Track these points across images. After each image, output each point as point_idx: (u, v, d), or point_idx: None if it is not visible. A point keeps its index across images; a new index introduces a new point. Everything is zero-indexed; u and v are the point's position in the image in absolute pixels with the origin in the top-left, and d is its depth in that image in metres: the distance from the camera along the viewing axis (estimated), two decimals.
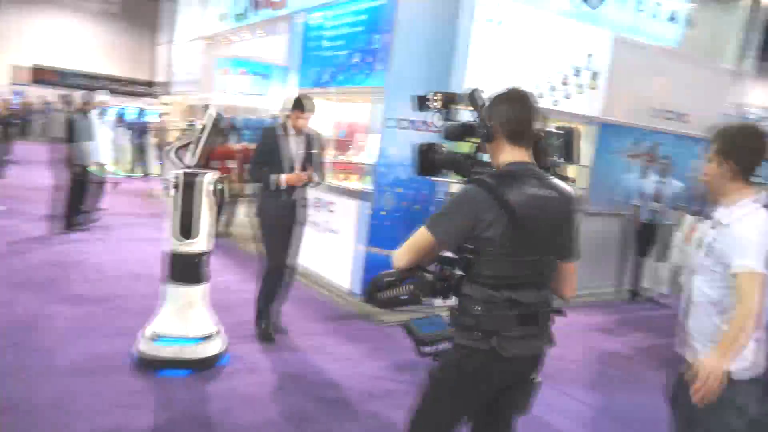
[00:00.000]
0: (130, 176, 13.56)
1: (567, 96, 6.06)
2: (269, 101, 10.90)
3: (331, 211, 6.15)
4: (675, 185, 6.48)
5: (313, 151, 4.40)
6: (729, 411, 2.04)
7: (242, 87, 10.58)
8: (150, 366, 3.69)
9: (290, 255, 4.46)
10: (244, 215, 8.94)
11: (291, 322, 4.73)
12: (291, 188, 4.31)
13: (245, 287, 5.72)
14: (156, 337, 3.73)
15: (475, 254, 1.88)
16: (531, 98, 1.96)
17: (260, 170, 4.31)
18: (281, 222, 4.35)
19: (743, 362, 2.03)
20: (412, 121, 5.30)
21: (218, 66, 10.33)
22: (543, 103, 5.81)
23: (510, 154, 1.95)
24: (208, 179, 3.77)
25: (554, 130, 2.16)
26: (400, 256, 1.95)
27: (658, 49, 6.89)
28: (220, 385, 3.66)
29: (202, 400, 3.45)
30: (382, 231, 5.45)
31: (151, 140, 13.77)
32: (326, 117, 6.75)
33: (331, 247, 6.08)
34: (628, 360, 4.92)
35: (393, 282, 1.95)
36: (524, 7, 5.68)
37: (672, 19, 7.21)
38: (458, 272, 1.95)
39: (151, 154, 13.82)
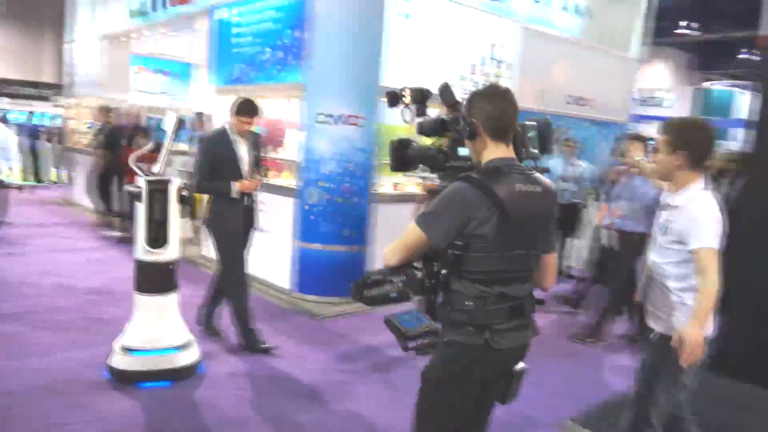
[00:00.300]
0: (25, 184, 12.70)
1: (476, 85, 6.31)
2: (182, 101, 10.61)
3: (261, 210, 6.09)
4: (585, 167, 6.89)
5: (255, 153, 4.33)
6: (664, 360, 2.38)
7: (154, 86, 10.21)
8: (128, 379, 3.60)
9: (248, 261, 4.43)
10: None
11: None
12: (247, 193, 4.24)
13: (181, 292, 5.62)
14: (131, 350, 3.64)
15: (465, 250, 1.89)
16: (511, 94, 1.98)
17: (213, 180, 4.15)
18: (241, 229, 4.26)
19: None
20: (331, 116, 5.34)
21: (130, 65, 9.90)
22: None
23: (493, 151, 1.97)
24: (177, 185, 3.71)
25: (528, 123, 2.18)
26: (391, 254, 1.95)
27: (563, 39, 7.30)
28: (205, 393, 3.61)
29: (192, 410, 3.41)
30: (311, 226, 5.49)
31: (46, 145, 12.97)
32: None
33: (263, 246, 6.03)
34: (550, 334, 5.23)
35: (381, 280, 1.94)
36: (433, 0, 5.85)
37: (573, 10, 7.66)
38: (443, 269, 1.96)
39: (47, 160, 13.02)
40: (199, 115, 7.74)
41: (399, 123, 6.55)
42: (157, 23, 8.45)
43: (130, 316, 3.78)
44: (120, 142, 8.75)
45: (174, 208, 3.69)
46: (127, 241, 7.61)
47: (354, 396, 3.70)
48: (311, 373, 4.00)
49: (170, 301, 3.77)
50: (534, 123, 2.19)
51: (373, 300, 1.97)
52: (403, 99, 2.43)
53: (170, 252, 3.70)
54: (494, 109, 1.95)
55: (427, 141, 2.29)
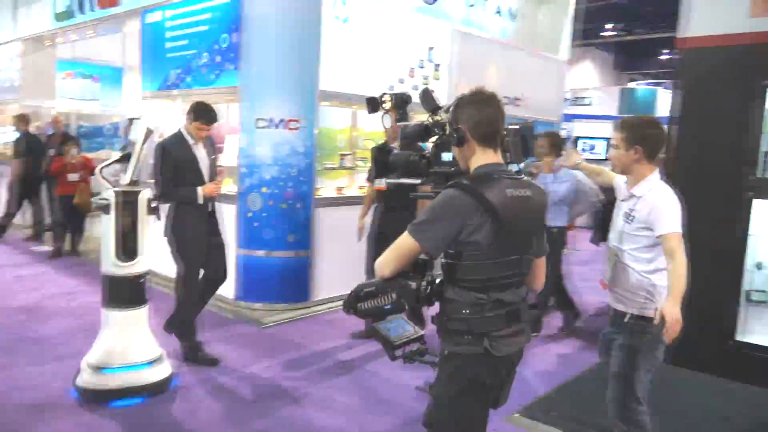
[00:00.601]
0: None
1: (415, 87, 6.39)
2: (114, 107, 10.22)
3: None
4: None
5: (212, 157, 4.25)
6: (640, 341, 2.60)
7: (82, 92, 9.79)
8: (98, 398, 3.46)
9: (220, 269, 4.30)
10: (92, 232, 8.35)
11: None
12: (210, 199, 4.15)
13: None
14: (101, 367, 3.49)
15: (458, 258, 1.88)
16: (497, 99, 1.98)
17: (176, 186, 4.04)
18: (205, 236, 4.16)
19: (653, 305, 2.55)
20: (271, 120, 5.29)
21: (57, 70, 9.44)
22: None
23: (482, 157, 1.96)
24: (147, 196, 3.61)
25: (511, 127, 2.17)
26: (384, 265, 1.91)
27: (495, 41, 7.49)
28: (179, 408, 3.50)
29: (165, 427, 3.30)
30: (254, 233, 5.40)
31: None
32: (176, 120, 6.52)
33: None
34: None
35: (374, 292, 1.91)
36: (369, 3, 5.88)
37: (505, 13, 7.88)
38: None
39: None
40: (132, 120, 7.47)
41: (340, 126, 6.61)
42: (85, 26, 8.11)
43: (100, 331, 3.63)
44: (41, 150, 8.36)
45: (143, 218, 3.60)
46: (58, 256, 7.29)
47: (306, 402, 3.67)
48: (261, 382, 3.94)
49: (140, 315, 3.66)
50: (517, 127, 2.19)
51: (367, 313, 1.94)
52: (383, 105, 2.43)
53: (140, 264, 3.61)
54: (482, 115, 1.95)
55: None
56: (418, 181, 2.28)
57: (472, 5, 7.51)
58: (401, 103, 2.42)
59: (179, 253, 4.12)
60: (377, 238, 4.76)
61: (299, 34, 5.38)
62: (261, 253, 5.39)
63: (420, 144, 2.37)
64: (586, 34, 18.10)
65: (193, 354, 4.18)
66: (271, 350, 4.51)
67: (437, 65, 6.61)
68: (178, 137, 4.14)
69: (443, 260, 1.90)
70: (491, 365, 1.93)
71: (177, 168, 4.03)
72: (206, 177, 4.13)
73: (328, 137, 5.98)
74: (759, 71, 3.28)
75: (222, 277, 4.33)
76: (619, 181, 2.87)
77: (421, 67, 6.43)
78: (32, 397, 3.54)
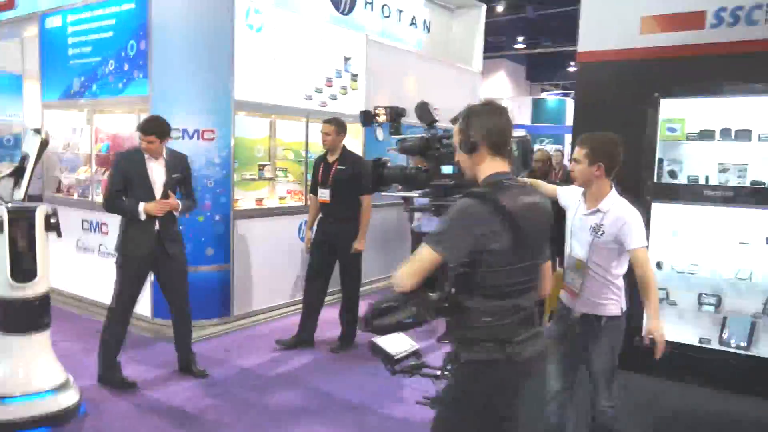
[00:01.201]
0: None
1: (333, 97, 6.42)
2: (14, 117, 9.57)
3: (105, 233, 5.68)
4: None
5: (174, 176, 4.02)
6: (618, 336, 2.84)
7: None
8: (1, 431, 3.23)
9: (178, 299, 4.14)
10: None
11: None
12: (154, 218, 3.92)
13: None
14: (1, 397, 3.27)
15: (475, 266, 1.89)
16: (506, 110, 2.03)
17: (119, 200, 3.93)
18: (145, 256, 3.96)
19: (619, 304, 2.82)
20: (185, 130, 5.14)
21: None
22: (311, 105, 6.12)
23: (491, 165, 1.99)
24: (43, 212, 3.40)
25: (515, 136, 2.20)
26: (405, 279, 1.89)
27: (406, 51, 7.65)
28: None
29: None
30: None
31: None
32: (83, 131, 6.21)
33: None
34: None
35: (393, 307, 1.88)
36: (283, 13, 5.86)
37: (420, 25, 8.07)
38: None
39: None
40: (36, 131, 7.04)
41: (255, 136, 6.51)
42: None
43: None
44: None
45: (41, 236, 3.38)
46: None
47: (230, 422, 3.58)
48: (181, 403, 3.80)
49: (41, 339, 3.45)
50: (524, 135, 2.24)
51: (387, 328, 1.91)
52: (377, 118, 2.40)
53: (39, 286, 3.39)
54: (494, 123, 1.98)
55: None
56: (416, 193, 2.29)
57: (387, 16, 7.66)
58: (396, 115, 2.43)
59: (116, 268, 4.02)
60: (320, 247, 4.79)
61: (210, 42, 5.27)
62: None
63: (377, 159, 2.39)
64: (498, 47, 18.86)
65: (108, 376, 3.99)
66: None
67: (354, 75, 6.67)
68: (134, 149, 4.09)
69: (462, 270, 1.91)
70: (512, 371, 1.93)
71: (127, 180, 3.93)
72: (158, 194, 3.94)
73: (246, 147, 5.88)
74: (651, 84, 3.54)
75: (182, 307, 4.19)
76: (566, 193, 3.04)
77: (339, 77, 6.47)
78: None
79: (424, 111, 2.31)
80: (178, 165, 4.10)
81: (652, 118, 3.55)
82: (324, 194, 4.74)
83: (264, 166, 6.00)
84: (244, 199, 5.76)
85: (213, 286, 5.35)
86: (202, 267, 5.24)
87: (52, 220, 3.45)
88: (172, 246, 4.05)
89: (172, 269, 4.08)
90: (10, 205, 3.38)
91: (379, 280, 7.10)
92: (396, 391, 4.05)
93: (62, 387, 3.46)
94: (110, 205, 4.02)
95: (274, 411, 3.72)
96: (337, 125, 4.74)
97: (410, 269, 1.89)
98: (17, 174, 3.46)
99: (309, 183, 5.46)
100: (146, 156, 3.97)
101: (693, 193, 3.49)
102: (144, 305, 5.32)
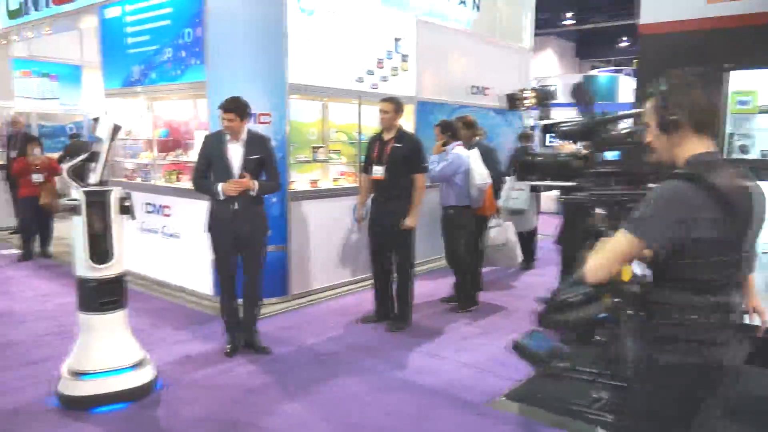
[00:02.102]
0: None
1: (384, 78, 6.42)
2: (74, 105, 9.98)
3: (168, 215, 5.89)
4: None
5: (252, 157, 4.11)
6: None
7: (41, 91, 9.52)
8: (79, 406, 3.37)
9: (247, 277, 4.26)
10: (62, 233, 8.18)
11: (165, 335, 4.50)
12: (233, 198, 4.05)
13: None
14: (81, 374, 3.40)
15: (677, 257, 1.69)
16: (714, 77, 1.83)
17: (202, 179, 4.16)
18: (227, 234, 4.13)
19: None
20: None
21: (14, 69, 9.16)
22: (363, 87, 6.14)
23: (696, 145, 1.75)
24: (117, 195, 3.52)
25: None
26: (599, 269, 1.72)
27: (455, 31, 7.56)
28: (163, 412, 3.42)
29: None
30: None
31: None
32: (143, 117, 6.42)
33: (177, 252, 5.84)
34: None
35: (583, 300, 1.73)
36: None
37: (469, 3, 7.95)
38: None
39: None
40: (96, 120, 7.32)
41: (308, 120, 6.59)
42: (40, 23, 7.88)
43: (76, 337, 3.53)
44: None
45: (116, 219, 3.50)
46: (28, 259, 7.11)
47: (292, 398, 3.68)
48: (245, 380, 3.93)
49: (118, 318, 3.56)
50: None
51: (575, 324, 1.75)
52: (525, 101, 2.27)
53: (115, 267, 3.51)
54: (699, 99, 1.74)
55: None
56: (572, 183, 2.07)
57: None
58: (544, 98, 2.29)
59: (210, 249, 4.26)
60: (375, 225, 4.89)
61: (264, 27, 5.35)
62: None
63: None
64: (546, 23, 18.39)
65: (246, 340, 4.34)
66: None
67: (405, 56, 6.65)
68: (216, 132, 4.28)
69: (662, 260, 1.72)
70: (706, 376, 1.73)
71: (209, 161, 4.14)
72: (235, 174, 4.07)
73: (299, 130, 5.97)
74: (719, 55, 3.41)
75: (249, 286, 4.30)
76: None
77: (390, 58, 6.46)
78: (7, 404, 3.47)
79: (581, 92, 2.14)
80: (258, 146, 4.18)
81: (720, 91, 3.42)
82: (378, 171, 4.79)
83: (317, 148, 6.07)
84: (298, 181, 5.86)
85: (271, 266, 5.45)
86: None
87: (126, 203, 3.56)
88: (248, 226, 4.15)
89: (246, 248, 4.21)
90: (86, 188, 3.48)
91: (431, 260, 7.13)
92: (459, 369, 4.08)
93: (139, 364, 3.58)
94: (196, 184, 4.26)
95: (332, 388, 3.80)
96: (395, 104, 4.77)
97: (604, 258, 1.72)
98: (92, 159, 3.58)
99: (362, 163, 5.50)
100: (227, 137, 4.10)
101: (767, 169, 3.36)
102: (205, 283, 5.52)
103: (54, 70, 9.70)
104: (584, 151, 2.10)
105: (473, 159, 5.31)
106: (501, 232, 5.88)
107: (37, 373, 3.89)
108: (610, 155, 1.99)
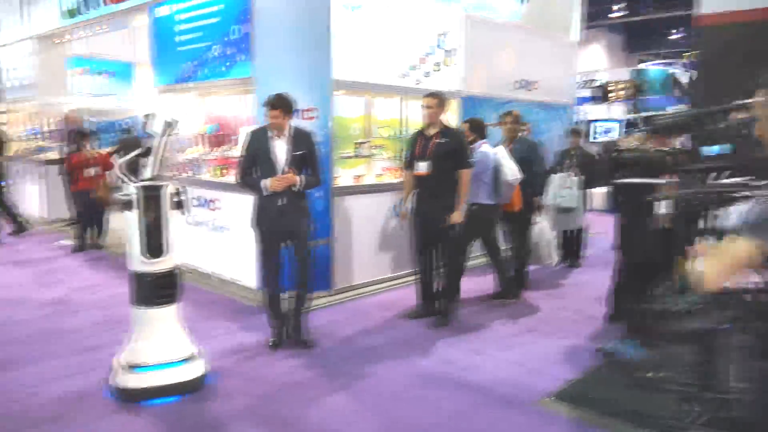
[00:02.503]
0: None
1: (427, 74, 6.38)
2: (126, 102, 10.29)
3: (216, 209, 6.01)
4: None
5: (297, 153, 4.16)
6: None
7: (95, 88, 9.86)
8: (132, 398, 3.43)
9: (295, 270, 4.32)
10: (113, 226, 8.44)
11: (211, 327, 4.64)
12: (279, 194, 4.11)
13: None
14: (134, 366, 3.47)
15: None
16: None
17: (248, 176, 4.21)
18: (273, 230, 4.20)
19: None
20: None
21: (70, 67, 9.51)
22: (407, 83, 6.11)
23: None
24: (171, 190, 3.58)
25: None
26: (718, 276, 1.61)
27: (501, 24, 7.44)
28: (215, 406, 3.47)
29: (205, 425, 3.28)
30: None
31: None
32: (192, 113, 6.56)
33: (224, 245, 5.96)
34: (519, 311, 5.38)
35: (700, 309, 1.62)
36: None
37: None
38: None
39: None
40: (149, 116, 7.52)
41: (351, 115, 6.61)
42: (93, 22, 8.15)
43: (130, 330, 3.61)
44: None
45: (168, 213, 3.56)
46: (81, 250, 7.39)
47: (337, 392, 3.70)
48: (292, 370, 3.97)
49: (171, 312, 3.61)
50: None
51: (689, 336, 1.64)
52: (617, 93, 2.10)
53: (168, 261, 3.56)
54: None
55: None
56: (662, 181, 1.96)
57: None
58: (638, 91, 2.12)
59: (256, 243, 4.30)
60: (419, 221, 4.88)
61: (309, 23, 5.38)
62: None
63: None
64: (594, 16, 17.95)
65: (294, 335, 4.39)
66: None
67: (448, 51, 6.59)
68: (260, 127, 4.29)
69: None
70: None
71: (254, 157, 4.17)
72: (280, 170, 4.11)
73: (343, 126, 5.99)
74: None
75: (297, 279, 4.35)
76: None
77: (433, 54, 6.42)
78: (62, 391, 3.60)
79: (679, 82, 1.96)
80: (302, 142, 4.21)
81: None
82: (422, 167, 4.75)
83: (361, 143, 6.08)
84: (342, 176, 5.88)
85: (315, 261, 5.50)
86: None
87: (179, 198, 3.61)
88: (294, 221, 4.21)
89: (293, 242, 4.27)
90: (140, 183, 3.52)
91: (478, 257, 7.07)
92: (504, 367, 4.03)
93: (191, 358, 3.62)
94: (241, 181, 4.27)
95: (375, 382, 3.81)
96: (439, 99, 4.73)
97: (722, 265, 1.60)
98: (146, 154, 3.64)
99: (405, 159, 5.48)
100: (271, 133, 4.14)
101: None
102: (249, 276, 5.61)
103: (108, 67, 10.02)
104: (675, 147, 1.94)
105: (501, 155, 5.25)
106: (539, 228, 5.88)
107: (89, 360, 4.03)
108: (713, 150, 1.81)
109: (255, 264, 5.41)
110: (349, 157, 6.01)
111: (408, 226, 5.05)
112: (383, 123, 6.49)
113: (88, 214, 7.48)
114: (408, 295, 5.41)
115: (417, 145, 4.83)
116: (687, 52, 23.27)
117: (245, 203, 5.32)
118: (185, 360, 3.59)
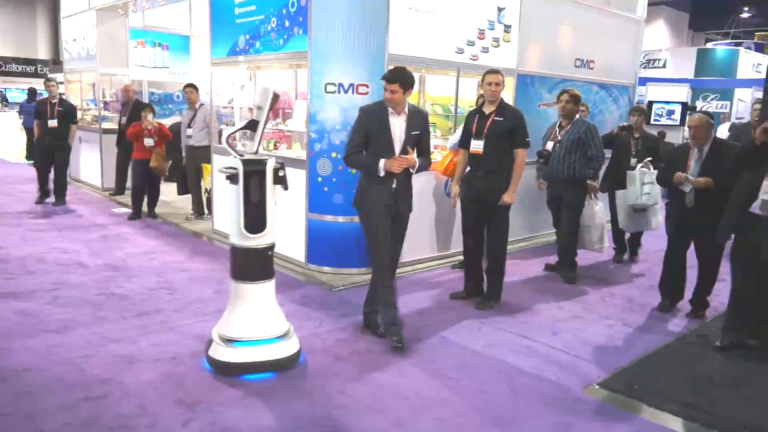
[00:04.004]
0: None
1: (485, 50, 6.23)
2: (183, 74, 10.48)
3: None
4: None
5: (413, 132, 3.90)
6: None
7: (153, 60, 10.07)
8: (229, 371, 3.44)
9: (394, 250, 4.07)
10: (167, 196, 8.68)
11: None
12: (392, 176, 3.85)
13: (193, 266, 5.68)
14: (232, 341, 3.48)
15: None
16: None
17: (358, 154, 3.91)
18: (383, 212, 3.91)
19: None
20: (341, 85, 5.28)
21: (129, 38, 9.75)
22: (462, 59, 5.99)
23: None
24: (273, 165, 3.47)
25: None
26: None
27: (568, 0, 7.17)
28: (310, 383, 3.43)
29: (307, 400, 3.24)
30: (324, 198, 5.46)
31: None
32: (244, 87, 6.61)
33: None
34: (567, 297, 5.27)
35: None
36: None
37: None
38: None
39: None
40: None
41: None
42: None
43: (227, 304, 3.62)
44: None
45: (270, 189, 3.47)
46: (137, 218, 7.64)
47: (383, 365, 3.71)
48: (340, 344, 3.99)
49: (268, 288, 3.59)
50: None
51: None
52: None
53: (267, 236, 3.51)
54: None
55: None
56: None
57: None
58: None
59: (361, 224, 4.06)
60: (471, 201, 4.81)
61: None
62: (330, 218, 5.46)
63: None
64: None
65: (366, 321, 4.24)
66: (344, 314, 4.57)
67: (507, 26, 6.40)
68: (378, 103, 3.95)
69: None
70: None
71: (368, 134, 3.88)
72: (397, 150, 3.85)
73: None
74: None
75: (394, 264, 4.14)
76: None
77: (492, 29, 6.24)
78: (121, 351, 3.74)
79: None
80: (418, 122, 3.95)
81: None
82: (477, 145, 4.66)
83: None
84: None
85: (360, 237, 5.52)
86: (350, 218, 5.43)
87: (280, 173, 3.47)
88: (404, 206, 4.00)
89: (396, 228, 4.01)
90: (244, 157, 3.42)
91: (523, 239, 6.96)
92: (550, 352, 3.97)
93: (285, 335, 3.59)
94: (350, 159, 3.96)
95: (421, 362, 3.80)
96: (503, 76, 4.61)
97: None
98: (251, 127, 3.50)
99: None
100: (389, 111, 3.86)
101: None
102: (298, 251, 5.68)
103: (165, 40, 10.19)
104: None
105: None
106: (589, 213, 5.63)
107: (143, 325, 4.16)
108: None
109: (302, 237, 5.47)
110: None
111: (458, 205, 4.98)
112: (435, 100, 6.40)
113: (144, 184, 7.69)
114: (454, 275, 5.37)
115: (474, 123, 4.74)
116: (758, 31, 21.98)
117: (294, 177, 5.38)
118: (280, 337, 3.56)
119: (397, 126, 3.86)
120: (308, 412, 3.10)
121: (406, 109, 3.88)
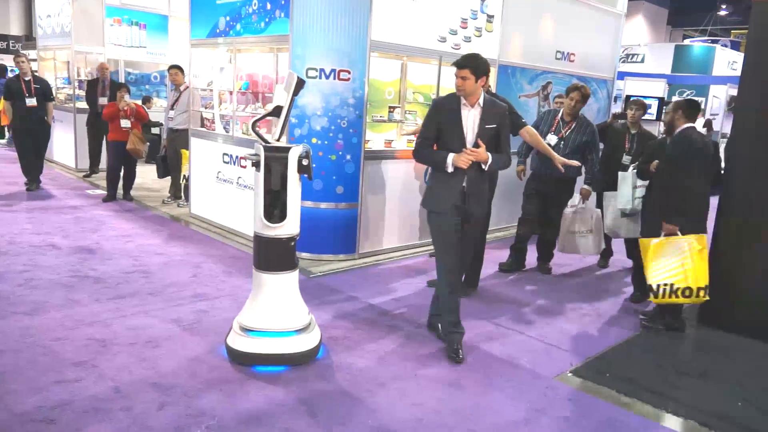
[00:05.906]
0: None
1: (467, 39, 6.23)
2: (161, 55, 10.28)
3: (244, 166, 6.03)
4: None
5: (488, 126, 3.57)
6: None
7: (130, 39, 9.85)
8: (243, 360, 3.37)
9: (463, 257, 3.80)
10: (142, 179, 8.56)
11: (240, 283, 4.71)
12: (462, 173, 3.55)
13: (170, 250, 5.59)
14: (249, 330, 3.41)
15: None
16: None
17: (428, 148, 3.63)
18: (450, 212, 3.61)
19: None
20: (322, 70, 5.24)
21: (106, 16, 9.51)
22: (444, 48, 5.98)
23: None
24: (296, 154, 3.33)
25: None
26: None
27: None
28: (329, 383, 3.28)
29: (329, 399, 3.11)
30: (303, 183, 5.38)
31: None
32: (224, 69, 6.53)
33: (250, 203, 5.98)
34: (545, 289, 5.35)
35: None
36: None
37: None
38: None
39: None
40: (176, 68, 7.50)
41: (386, 78, 6.50)
42: None
43: (249, 293, 3.58)
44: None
45: (293, 177, 3.33)
46: (112, 200, 7.51)
47: (361, 352, 3.74)
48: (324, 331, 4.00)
49: (289, 279, 3.49)
50: None
51: None
52: None
53: (289, 226, 3.40)
54: None
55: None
56: None
57: None
58: None
59: (428, 224, 3.78)
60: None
61: None
62: (309, 203, 5.43)
63: None
64: None
65: (430, 322, 4.11)
66: (324, 301, 4.57)
67: (490, 16, 6.41)
68: (450, 94, 3.65)
69: None
70: None
71: (439, 127, 3.59)
72: (469, 144, 3.53)
73: (377, 89, 5.91)
74: None
75: (464, 267, 3.98)
76: None
77: (474, 18, 6.24)
78: (95, 334, 3.69)
79: None
80: (495, 114, 3.60)
81: None
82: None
83: (394, 108, 6.00)
84: (373, 140, 5.83)
85: (339, 224, 5.53)
86: (329, 204, 5.43)
87: (304, 162, 3.33)
88: (476, 206, 3.67)
89: (468, 230, 3.72)
90: (267, 144, 3.33)
91: (505, 228, 7.04)
92: (525, 341, 4.02)
93: (305, 329, 3.48)
94: (419, 153, 3.68)
95: (397, 348, 3.83)
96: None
97: None
98: (276, 113, 3.40)
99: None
100: (462, 102, 3.55)
101: None
102: None
103: (143, 18, 9.97)
104: None
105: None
106: (586, 219, 5.45)
107: (116, 308, 4.12)
108: None
109: None
110: (381, 121, 5.95)
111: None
112: (417, 88, 6.40)
113: (120, 166, 7.55)
114: (433, 263, 5.37)
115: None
116: (735, 29, 22.38)
117: None
118: (299, 331, 3.46)
119: (470, 119, 3.54)
120: (285, 398, 3.10)
121: (481, 101, 3.55)
